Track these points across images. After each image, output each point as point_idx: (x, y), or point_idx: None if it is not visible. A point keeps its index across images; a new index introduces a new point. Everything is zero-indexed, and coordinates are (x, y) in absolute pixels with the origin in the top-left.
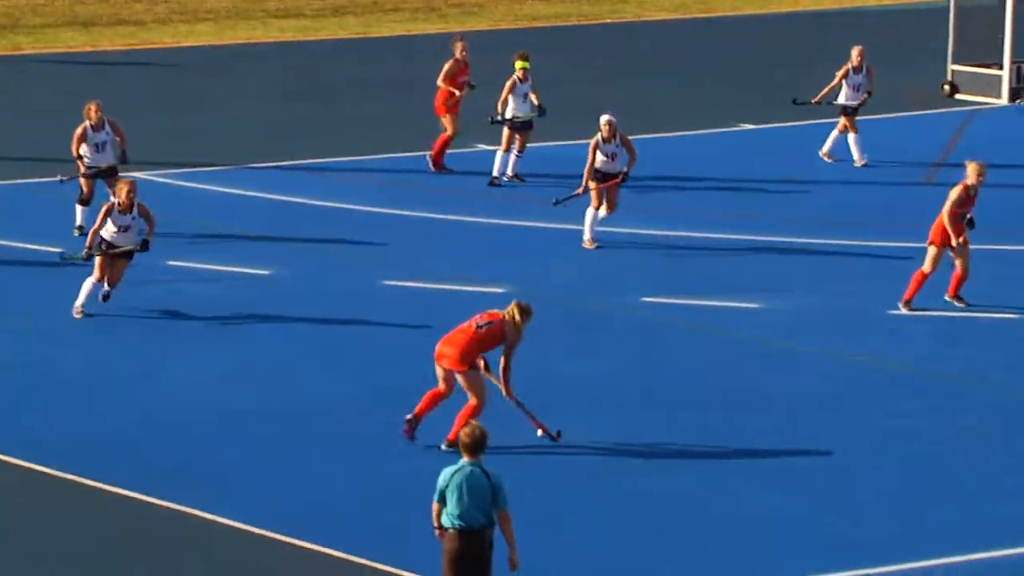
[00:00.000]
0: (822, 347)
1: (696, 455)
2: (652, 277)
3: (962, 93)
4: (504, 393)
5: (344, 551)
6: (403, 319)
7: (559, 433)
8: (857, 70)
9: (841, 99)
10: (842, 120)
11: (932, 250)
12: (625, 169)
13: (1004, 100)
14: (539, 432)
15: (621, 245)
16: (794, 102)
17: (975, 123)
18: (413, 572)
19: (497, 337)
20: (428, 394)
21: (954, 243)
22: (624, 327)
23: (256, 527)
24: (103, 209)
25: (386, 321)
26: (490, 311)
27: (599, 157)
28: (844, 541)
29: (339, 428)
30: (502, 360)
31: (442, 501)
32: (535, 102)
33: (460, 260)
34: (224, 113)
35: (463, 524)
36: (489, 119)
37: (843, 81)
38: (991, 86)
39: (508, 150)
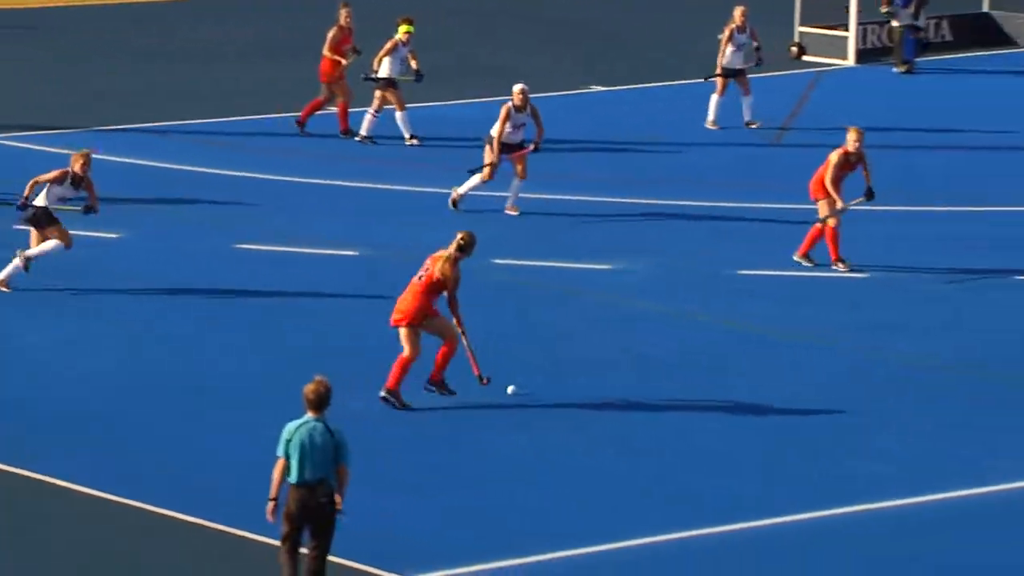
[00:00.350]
0: (675, 308)
1: (547, 416)
2: (507, 239)
3: (810, 54)
4: (456, 324)
5: (222, 523)
6: (256, 283)
7: (488, 379)
8: (741, 30)
9: (724, 61)
10: (720, 82)
11: (822, 204)
12: (535, 139)
13: (851, 61)
14: (475, 372)
15: (477, 209)
16: (706, 79)
17: (823, 84)
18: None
19: (438, 280)
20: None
21: (839, 207)
22: (476, 289)
23: (123, 497)
24: (54, 175)
25: (237, 286)
26: (433, 255)
27: (506, 127)
28: (697, 500)
29: (208, 394)
30: (448, 299)
31: (286, 456)
32: (413, 66)
33: (315, 223)
34: (69, 75)
35: (302, 479)
36: (363, 76)
37: (728, 42)
38: (838, 47)
39: (404, 108)
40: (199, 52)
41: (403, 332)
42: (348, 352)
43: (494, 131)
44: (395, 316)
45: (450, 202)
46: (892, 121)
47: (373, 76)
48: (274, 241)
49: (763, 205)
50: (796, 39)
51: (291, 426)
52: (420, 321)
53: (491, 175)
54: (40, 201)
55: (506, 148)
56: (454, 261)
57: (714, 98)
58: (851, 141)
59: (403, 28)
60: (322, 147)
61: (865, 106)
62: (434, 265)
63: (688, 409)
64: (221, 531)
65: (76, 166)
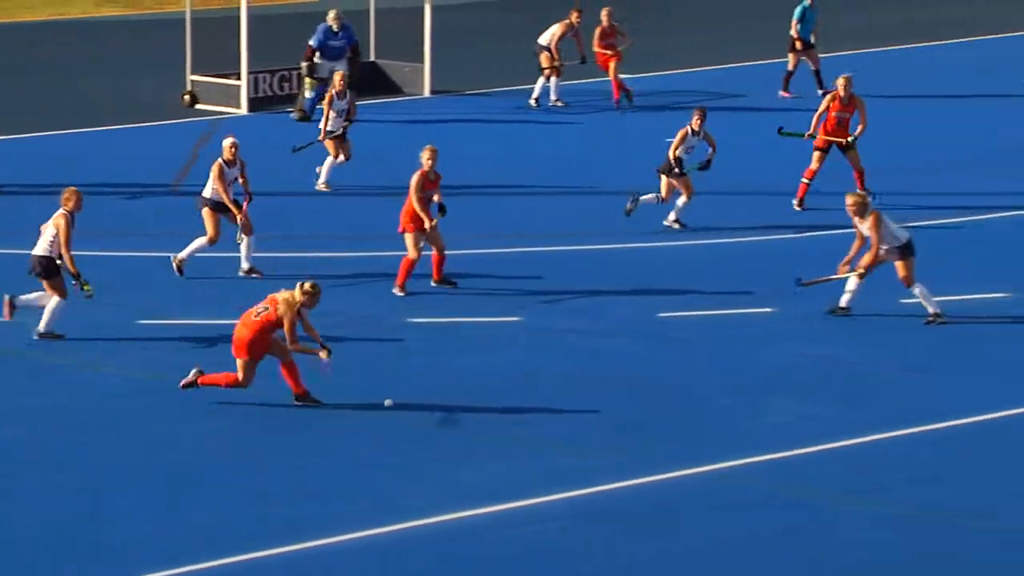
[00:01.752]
0: (83, 358)
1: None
2: None
3: (203, 103)
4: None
5: None
6: None
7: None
8: (341, 95)
9: (328, 125)
10: (332, 146)
11: (409, 237)
12: (246, 193)
13: (244, 110)
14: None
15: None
16: (300, 148)
17: (221, 131)
18: None
19: (276, 320)
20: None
21: (427, 226)
22: None
23: None
24: None
25: None
26: (273, 295)
27: (220, 185)
28: (106, 548)
29: None
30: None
31: None
32: None
33: None
34: None
35: None
36: None
37: (330, 107)
38: (231, 96)
39: None
40: None
41: (239, 363)
42: None
43: (207, 192)
44: (234, 348)
45: (175, 269)
46: (287, 167)
47: None
48: None
49: (156, 254)
50: (188, 87)
51: None
52: (256, 356)
53: (213, 239)
54: None
55: (218, 207)
56: (295, 307)
57: (329, 161)
58: (425, 160)
59: None
60: None
61: (262, 152)
62: (274, 306)
63: (96, 465)
64: None
65: None
